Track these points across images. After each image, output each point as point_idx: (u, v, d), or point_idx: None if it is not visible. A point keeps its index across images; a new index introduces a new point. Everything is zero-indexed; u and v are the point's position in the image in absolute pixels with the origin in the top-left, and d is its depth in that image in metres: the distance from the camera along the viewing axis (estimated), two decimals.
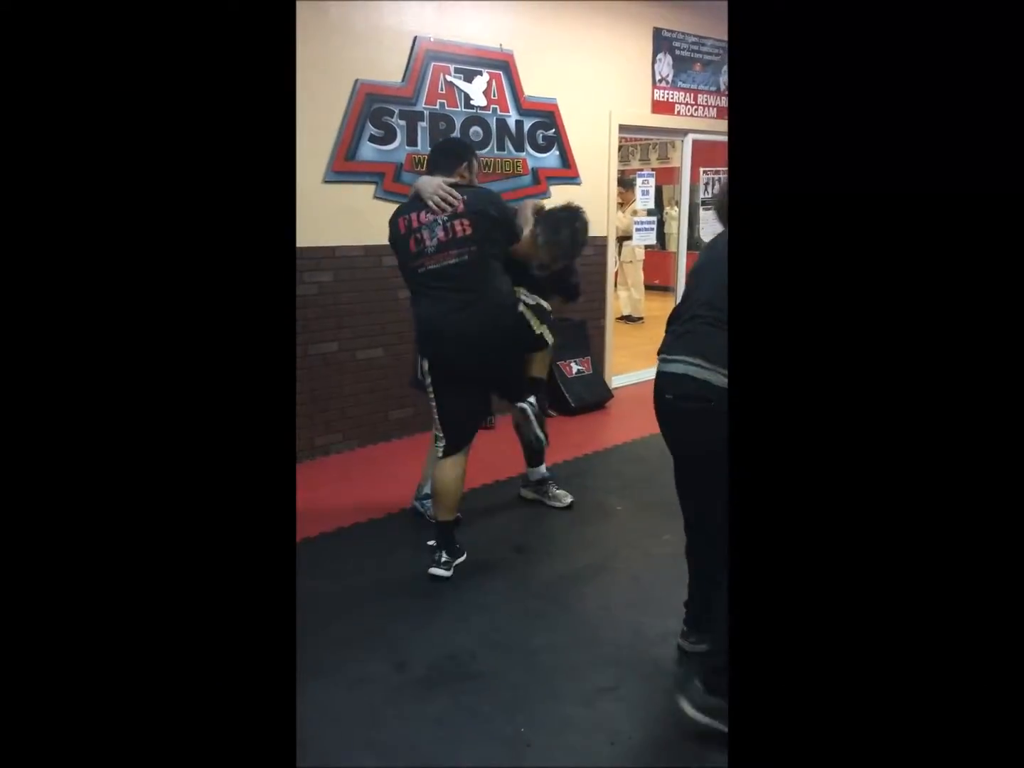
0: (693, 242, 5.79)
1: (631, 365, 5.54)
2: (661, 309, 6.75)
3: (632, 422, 4.42)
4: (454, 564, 2.65)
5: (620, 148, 5.10)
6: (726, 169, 5.87)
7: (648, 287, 8.11)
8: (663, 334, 2.01)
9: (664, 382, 1.93)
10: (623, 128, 4.98)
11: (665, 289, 7.09)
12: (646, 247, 7.13)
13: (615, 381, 5.24)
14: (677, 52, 5.16)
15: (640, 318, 7.85)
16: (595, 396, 4.79)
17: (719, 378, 1.78)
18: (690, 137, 5.45)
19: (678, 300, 5.27)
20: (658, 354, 2.00)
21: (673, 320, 2.01)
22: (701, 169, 5.67)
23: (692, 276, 2.08)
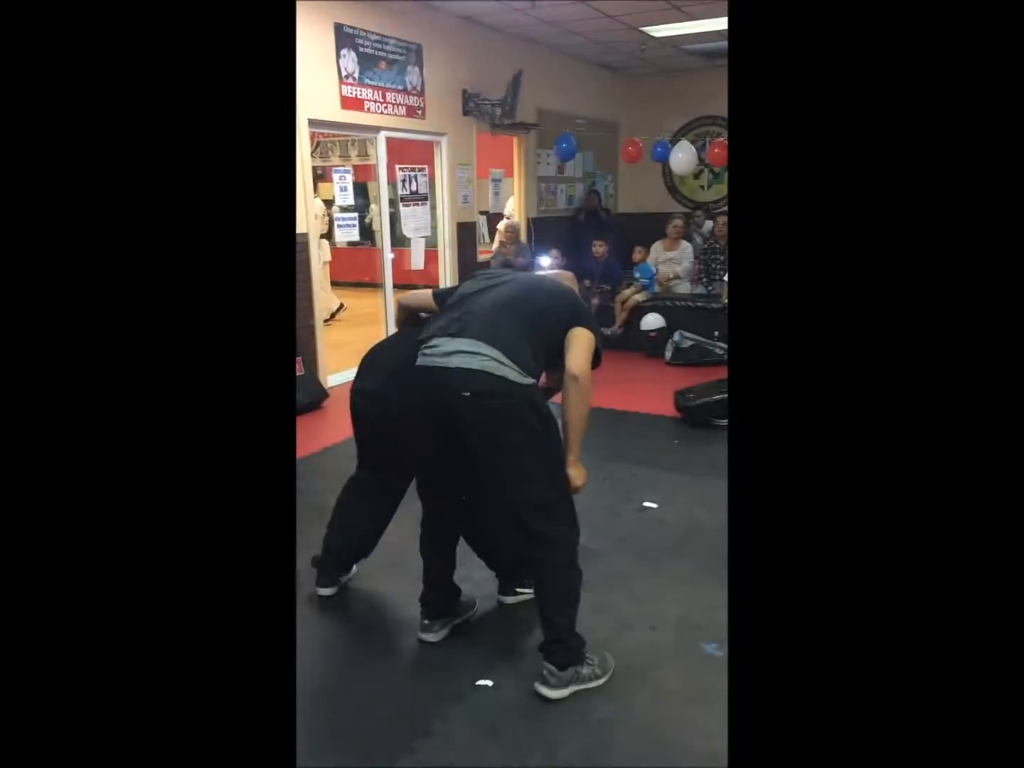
0: (396, 239, 5.88)
1: (345, 363, 5.49)
2: (372, 306, 6.77)
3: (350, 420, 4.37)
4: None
5: (318, 144, 4.99)
6: (422, 166, 5.91)
7: (356, 284, 8.06)
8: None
9: (454, 379, 1.90)
10: (313, 123, 4.89)
11: (374, 286, 7.11)
12: (350, 243, 7.07)
13: (330, 380, 5.16)
14: (361, 49, 5.18)
15: (337, 310, 7.81)
16: (309, 396, 4.68)
17: (516, 374, 1.86)
18: (383, 134, 5.51)
19: (388, 297, 5.28)
20: (426, 354, 1.97)
21: (448, 324, 1.98)
22: (397, 166, 5.75)
23: (468, 301, 2.02)
